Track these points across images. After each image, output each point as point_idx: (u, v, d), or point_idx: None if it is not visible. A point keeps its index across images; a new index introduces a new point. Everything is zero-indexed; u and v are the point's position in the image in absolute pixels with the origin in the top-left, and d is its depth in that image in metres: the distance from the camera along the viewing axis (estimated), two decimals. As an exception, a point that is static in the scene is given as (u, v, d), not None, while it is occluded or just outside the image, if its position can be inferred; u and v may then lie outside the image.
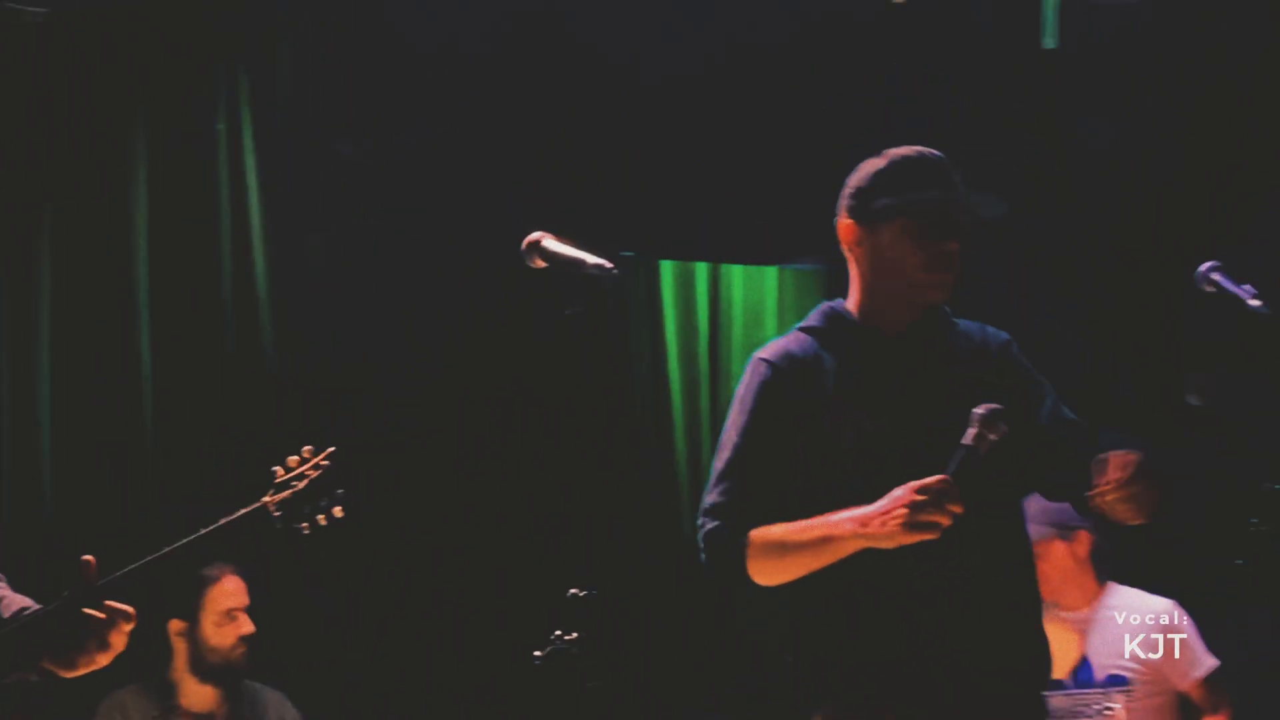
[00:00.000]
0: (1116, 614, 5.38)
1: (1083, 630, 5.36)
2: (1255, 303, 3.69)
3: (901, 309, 3.40)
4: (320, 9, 5.93)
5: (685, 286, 6.71)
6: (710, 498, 3.41)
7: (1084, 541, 5.39)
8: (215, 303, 5.69)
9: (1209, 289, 3.85)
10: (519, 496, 6.09)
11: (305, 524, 3.30)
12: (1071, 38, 6.29)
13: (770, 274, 6.87)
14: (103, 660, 3.09)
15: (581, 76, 6.30)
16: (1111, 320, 6.53)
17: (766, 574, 3.29)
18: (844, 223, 3.42)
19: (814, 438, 3.31)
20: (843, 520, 3.16)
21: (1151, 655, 5.32)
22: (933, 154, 3.40)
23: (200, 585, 4.88)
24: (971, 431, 3.13)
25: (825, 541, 3.18)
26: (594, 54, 6.26)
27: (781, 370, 3.37)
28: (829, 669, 3.35)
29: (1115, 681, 5.30)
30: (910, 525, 3.06)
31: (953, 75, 6.62)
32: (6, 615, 3.18)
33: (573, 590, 3.06)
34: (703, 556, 3.40)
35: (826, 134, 6.60)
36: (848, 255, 3.45)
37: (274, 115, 5.88)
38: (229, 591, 4.95)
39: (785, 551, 3.25)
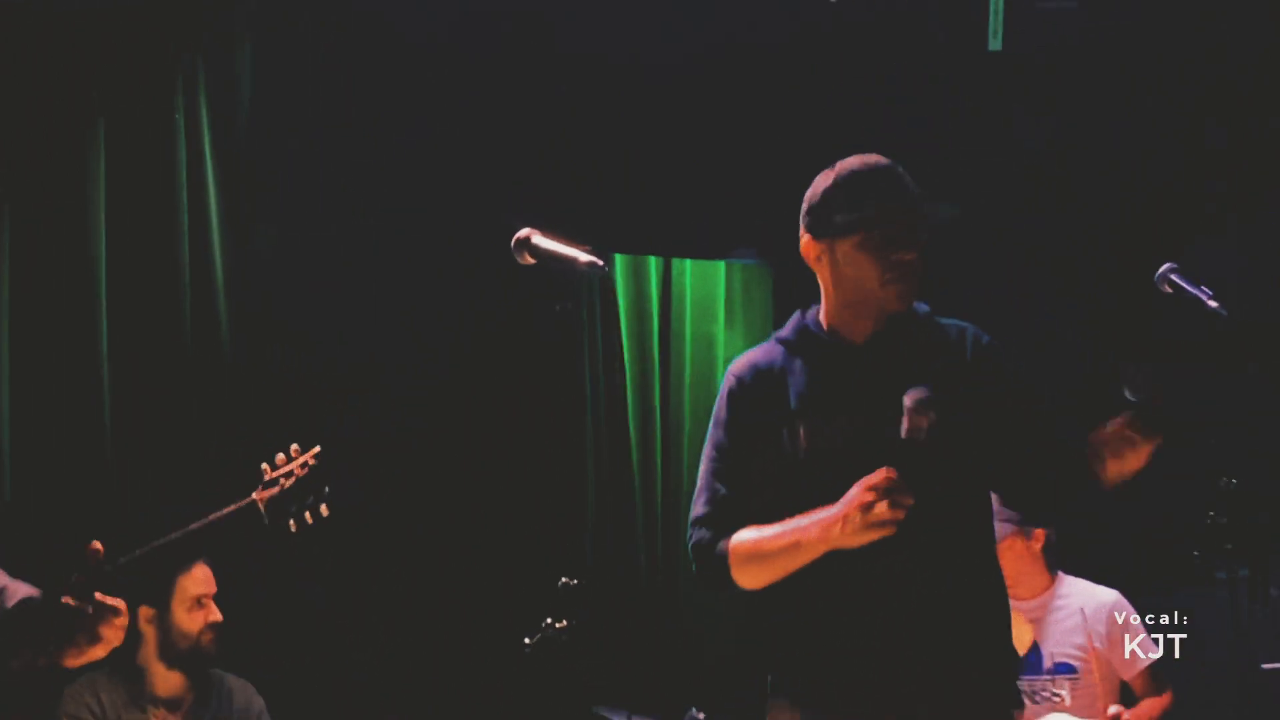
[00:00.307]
0: (1066, 604, 5.53)
1: (1035, 620, 5.50)
2: (1213, 304, 3.79)
3: (864, 319, 3.44)
4: (282, 2, 5.95)
5: (637, 280, 6.78)
6: (695, 509, 3.50)
7: (1040, 537, 5.55)
8: (174, 295, 5.66)
9: (1168, 290, 3.96)
10: (505, 487, 6.15)
11: (292, 521, 3.35)
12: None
13: (719, 268, 6.96)
14: (96, 652, 3.15)
15: (535, 71, 6.37)
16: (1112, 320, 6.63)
17: (749, 579, 3.38)
18: (804, 239, 3.48)
19: (781, 447, 3.39)
20: (809, 525, 3.24)
21: (1098, 645, 5.48)
22: (884, 164, 3.45)
23: (171, 572, 4.90)
24: (904, 422, 3.20)
25: (795, 547, 3.27)
26: (550, 50, 6.33)
27: (745, 383, 3.48)
28: (789, 665, 3.42)
29: (1063, 669, 5.45)
30: (866, 524, 3.14)
31: (897, 73, 6.76)
32: (10, 605, 3.21)
33: (563, 579, 3.09)
34: (693, 566, 3.49)
35: (774, 132, 6.73)
36: (813, 269, 3.50)
37: (233, 108, 5.89)
38: (199, 579, 4.97)
39: (761, 559, 3.33)
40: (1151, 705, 5.50)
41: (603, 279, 3.39)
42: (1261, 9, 6.38)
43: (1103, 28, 6.47)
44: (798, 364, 3.45)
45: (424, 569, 6.03)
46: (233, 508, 3.33)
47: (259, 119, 5.91)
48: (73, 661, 3.17)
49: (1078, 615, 5.51)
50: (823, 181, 3.47)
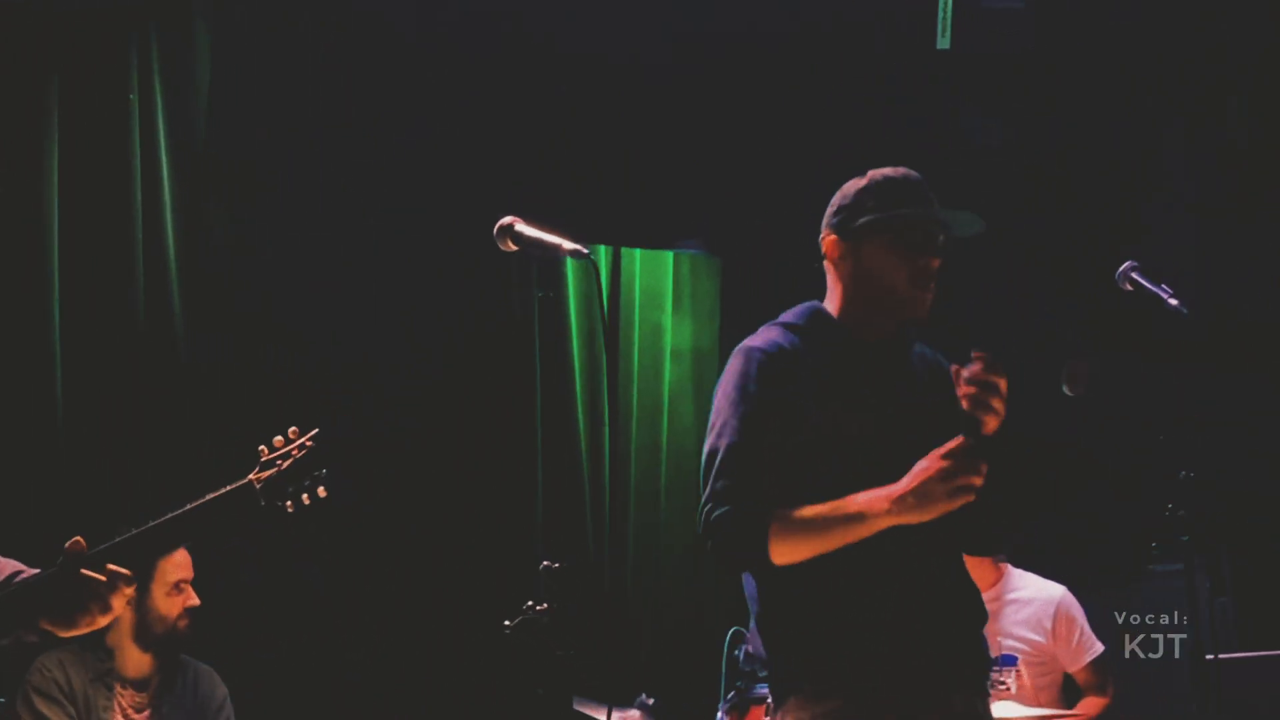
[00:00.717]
0: (1014, 597, 5.62)
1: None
2: (1173, 302, 3.90)
3: (883, 319, 3.54)
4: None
5: (586, 268, 6.80)
6: (718, 484, 3.39)
7: None
8: (127, 273, 5.64)
9: (1128, 287, 4.06)
10: (463, 475, 6.20)
11: (289, 502, 3.35)
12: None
13: (667, 258, 7.01)
14: (102, 620, 3.17)
15: (485, 62, 6.40)
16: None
17: (788, 552, 3.32)
18: (828, 238, 3.55)
19: (801, 429, 3.41)
20: (876, 498, 3.25)
21: (1043, 638, 5.58)
22: (915, 175, 3.55)
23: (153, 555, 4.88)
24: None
25: (858, 519, 3.26)
26: (499, 42, 6.37)
27: (775, 358, 3.46)
28: (801, 658, 3.44)
29: (1006, 660, 5.54)
30: (950, 491, 3.19)
31: (845, 69, 6.85)
32: None
33: (545, 563, 3.13)
34: (712, 541, 3.38)
35: (722, 125, 6.80)
36: (829, 268, 3.57)
37: (189, 91, 5.87)
38: (179, 564, 4.97)
39: (814, 529, 3.29)
40: (1089, 705, 5.61)
41: (591, 267, 3.40)
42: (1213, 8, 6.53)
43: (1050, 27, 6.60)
44: (812, 352, 3.50)
45: (385, 554, 6.06)
46: (229, 489, 3.32)
47: (218, 103, 5.88)
48: (82, 629, 3.19)
49: (1025, 608, 5.61)
50: (855, 184, 3.56)
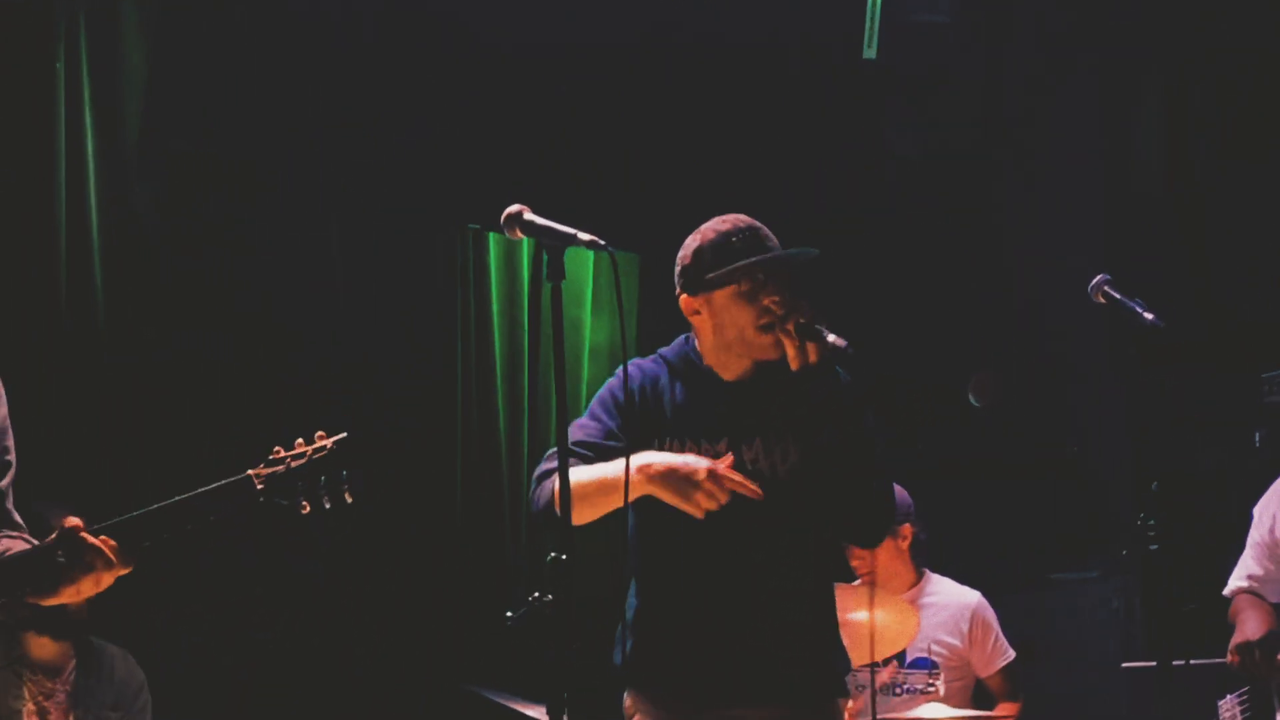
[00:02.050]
0: (931, 602, 5.71)
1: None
2: (1149, 316, 3.98)
3: (739, 360, 3.81)
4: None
5: (510, 262, 6.77)
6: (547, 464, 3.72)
7: (907, 535, 5.72)
8: (50, 249, 5.49)
9: (1101, 300, 4.14)
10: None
11: (304, 501, 3.29)
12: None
13: (588, 254, 6.98)
14: (88, 591, 3.15)
15: (409, 52, 6.35)
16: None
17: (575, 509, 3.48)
18: (681, 297, 3.82)
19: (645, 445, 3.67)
20: (638, 464, 3.49)
21: (958, 643, 5.68)
22: (749, 222, 3.81)
23: (45, 534, 4.73)
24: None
25: (616, 478, 3.49)
26: (442, 33, 6.33)
27: (636, 382, 3.80)
28: (632, 653, 3.76)
29: (922, 664, 5.63)
30: (688, 498, 3.49)
31: (768, 74, 6.90)
32: None
33: (552, 554, 3.12)
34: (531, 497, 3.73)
35: (646, 122, 6.82)
36: (692, 321, 3.83)
37: (115, 61, 5.73)
38: None
39: (581, 483, 3.51)
40: (1002, 710, 5.72)
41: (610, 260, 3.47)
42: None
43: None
44: (676, 385, 3.82)
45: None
46: (224, 482, 3.25)
47: (158, 86, 5.75)
48: (65, 598, 3.20)
49: (942, 612, 5.70)
50: (693, 243, 3.83)
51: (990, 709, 5.70)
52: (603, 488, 3.55)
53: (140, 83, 5.74)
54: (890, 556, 5.64)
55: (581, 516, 3.53)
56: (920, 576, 5.80)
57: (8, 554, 3.20)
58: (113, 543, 3.08)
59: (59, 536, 3.09)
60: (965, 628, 5.71)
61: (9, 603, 3.19)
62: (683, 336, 3.92)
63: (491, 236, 6.69)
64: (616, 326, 6.84)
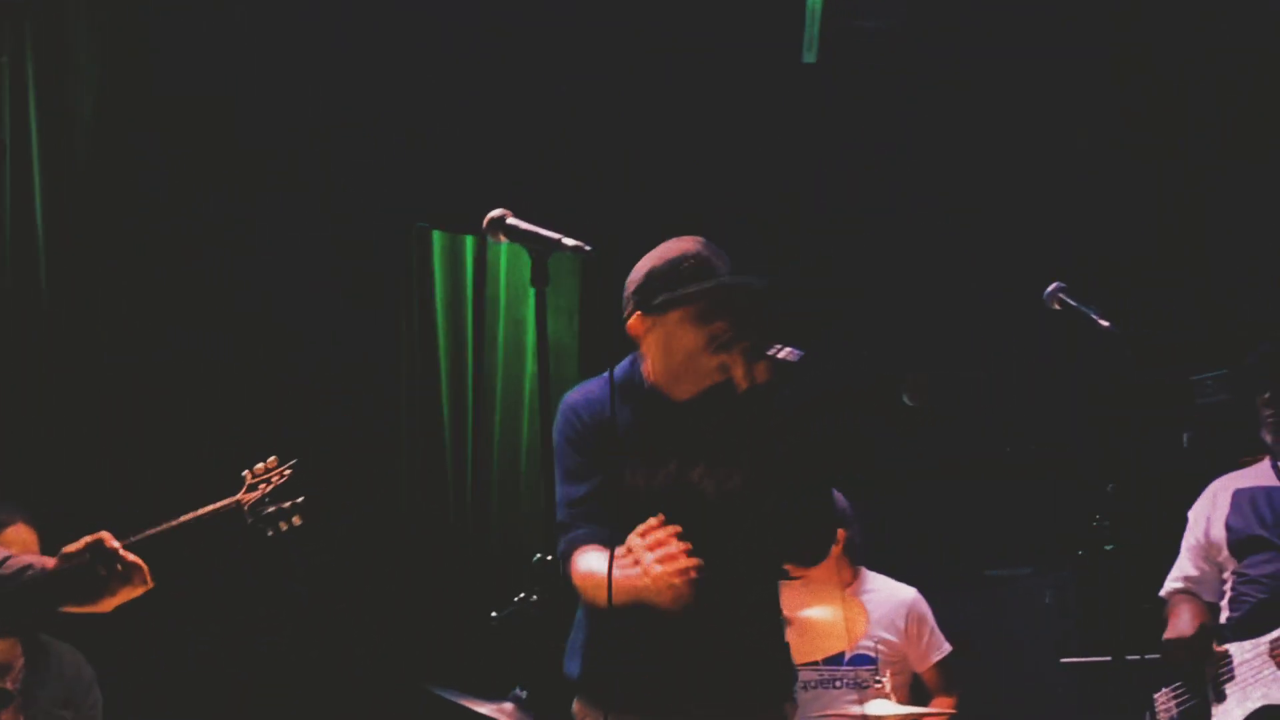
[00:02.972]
0: (868, 599, 5.80)
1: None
2: (1104, 322, 4.08)
3: (688, 381, 3.81)
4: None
5: (453, 260, 6.80)
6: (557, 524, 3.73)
7: (840, 538, 5.80)
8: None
9: (1056, 307, 4.23)
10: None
11: (269, 528, 3.48)
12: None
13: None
14: (120, 600, 3.32)
15: (345, 45, 6.36)
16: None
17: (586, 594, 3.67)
18: (630, 319, 3.83)
19: (605, 478, 3.75)
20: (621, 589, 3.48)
21: (895, 639, 5.79)
22: (697, 247, 3.80)
23: None
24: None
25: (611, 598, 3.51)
26: (382, 30, 6.34)
27: (583, 415, 3.82)
28: (588, 662, 3.80)
29: (861, 660, 5.73)
30: (660, 595, 3.45)
31: (712, 75, 6.96)
32: (8, 573, 3.30)
33: (538, 555, 3.17)
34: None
35: (592, 120, 6.86)
36: (638, 342, 3.84)
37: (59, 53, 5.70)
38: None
39: (586, 588, 3.64)
40: (938, 704, 5.84)
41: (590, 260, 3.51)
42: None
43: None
44: (624, 407, 3.82)
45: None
46: (219, 505, 3.43)
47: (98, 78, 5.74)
48: (109, 603, 3.34)
49: (878, 609, 5.78)
50: (646, 265, 3.83)
51: (926, 704, 5.81)
52: (597, 588, 3.56)
53: (91, 81, 5.71)
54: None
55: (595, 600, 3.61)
56: (856, 575, 5.90)
57: (38, 568, 3.30)
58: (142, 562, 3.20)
59: (89, 549, 3.18)
60: (902, 624, 5.82)
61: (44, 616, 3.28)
62: (629, 358, 3.93)
63: (435, 235, 6.72)
64: (562, 326, 6.91)
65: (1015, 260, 6.62)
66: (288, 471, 3.73)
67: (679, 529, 3.44)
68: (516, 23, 6.58)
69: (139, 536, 3.42)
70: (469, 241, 6.81)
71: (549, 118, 6.75)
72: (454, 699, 5.25)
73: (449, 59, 6.52)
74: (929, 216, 7.16)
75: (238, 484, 3.92)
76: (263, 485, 3.66)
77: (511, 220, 3.46)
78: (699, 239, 3.84)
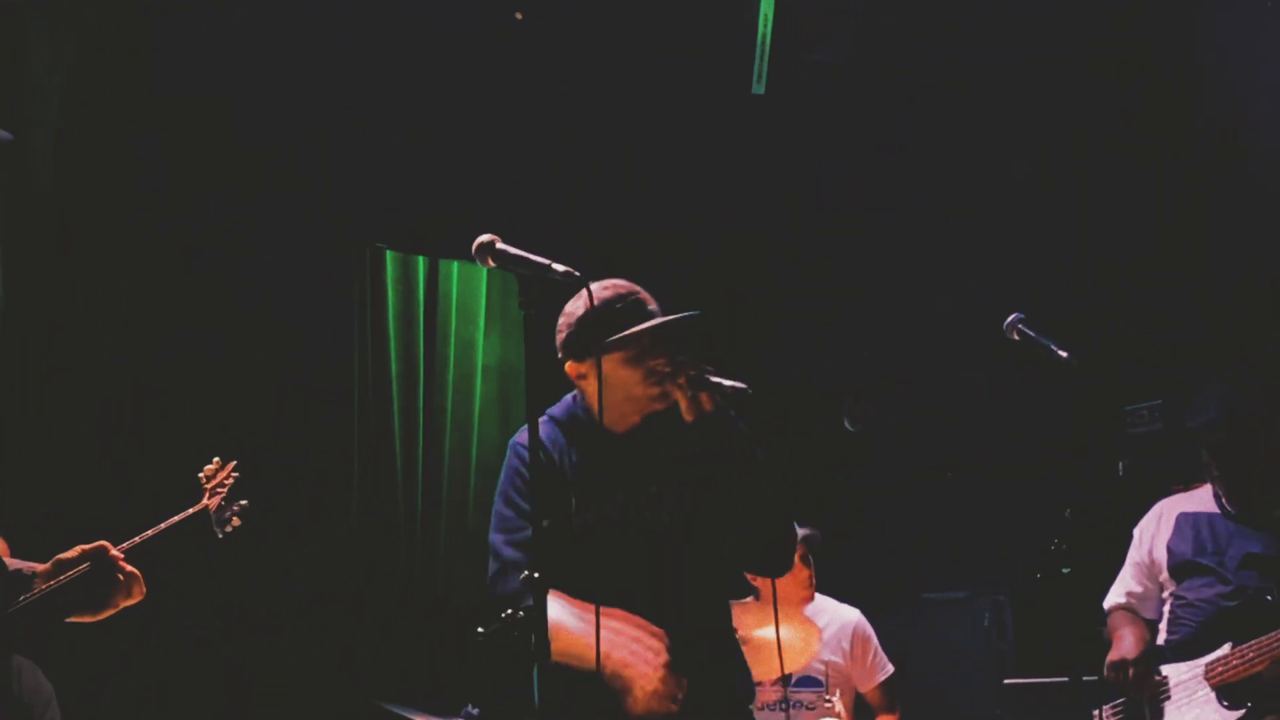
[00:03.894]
0: (814, 621, 5.91)
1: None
2: (1062, 353, 4.20)
3: (628, 416, 3.91)
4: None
5: (406, 279, 6.85)
6: (501, 550, 3.89)
7: (801, 555, 5.91)
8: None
9: (1015, 338, 4.35)
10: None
11: (220, 531, 3.56)
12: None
13: (482, 274, 7.08)
14: (119, 607, 3.46)
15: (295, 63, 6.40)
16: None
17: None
18: (567, 364, 3.92)
19: (558, 515, 3.75)
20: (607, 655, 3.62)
21: (839, 659, 5.90)
22: (631, 288, 3.89)
23: None
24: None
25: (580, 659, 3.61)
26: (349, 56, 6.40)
27: (526, 457, 3.79)
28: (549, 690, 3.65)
29: (807, 682, 5.84)
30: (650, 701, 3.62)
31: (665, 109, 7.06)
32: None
33: (526, 572, 3.23)
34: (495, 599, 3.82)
35: (544, 141, 6.93)
36: (578, 384, 3.93)
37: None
38: None
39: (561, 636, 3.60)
40: None
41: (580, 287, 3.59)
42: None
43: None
44: (569, 445, 3.92)
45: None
46: (188, 513, 3.51)
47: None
48: (111, 612, 3.48)
49: (824, 631, 5.88)
50: (576, 310, 3.91)
51: (869, 722, 5.94)
52: (570, 651, 3.62)
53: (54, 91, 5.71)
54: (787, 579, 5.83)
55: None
56: (812, 596, 6.01)
57: (26, 573, 3.41)
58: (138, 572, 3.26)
59: (89, 555, 3.22)
60: (847, 645, 5.94)
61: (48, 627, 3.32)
62: (570, 395, 4.01)
63: (389, 255, 6.76)
64: (506, 346, 6.98)
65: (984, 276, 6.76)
66: (235, 474, 3.82)
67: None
68: (475, 47, 6.65)
69: (131, 544, 3.47)
70: (421, 262, 6.86)
71: (521, 136, 6.84)
72: (405, 715, 5.31)
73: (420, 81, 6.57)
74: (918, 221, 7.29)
75: (197, 492, 3.92)
76: (219, 489, 3.72)
77: (501, 245, 3.47)
78: (624, 281, 3.91)
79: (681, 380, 3.78)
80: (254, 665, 6.01)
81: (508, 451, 3.94)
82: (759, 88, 6.89)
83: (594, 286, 3.85)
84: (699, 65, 6.91)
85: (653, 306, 3.88)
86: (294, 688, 6.07)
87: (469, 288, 7.03)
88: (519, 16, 6.70)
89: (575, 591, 3.76)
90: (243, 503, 3.84)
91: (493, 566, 3.87)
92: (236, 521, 3.79)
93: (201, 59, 6.09)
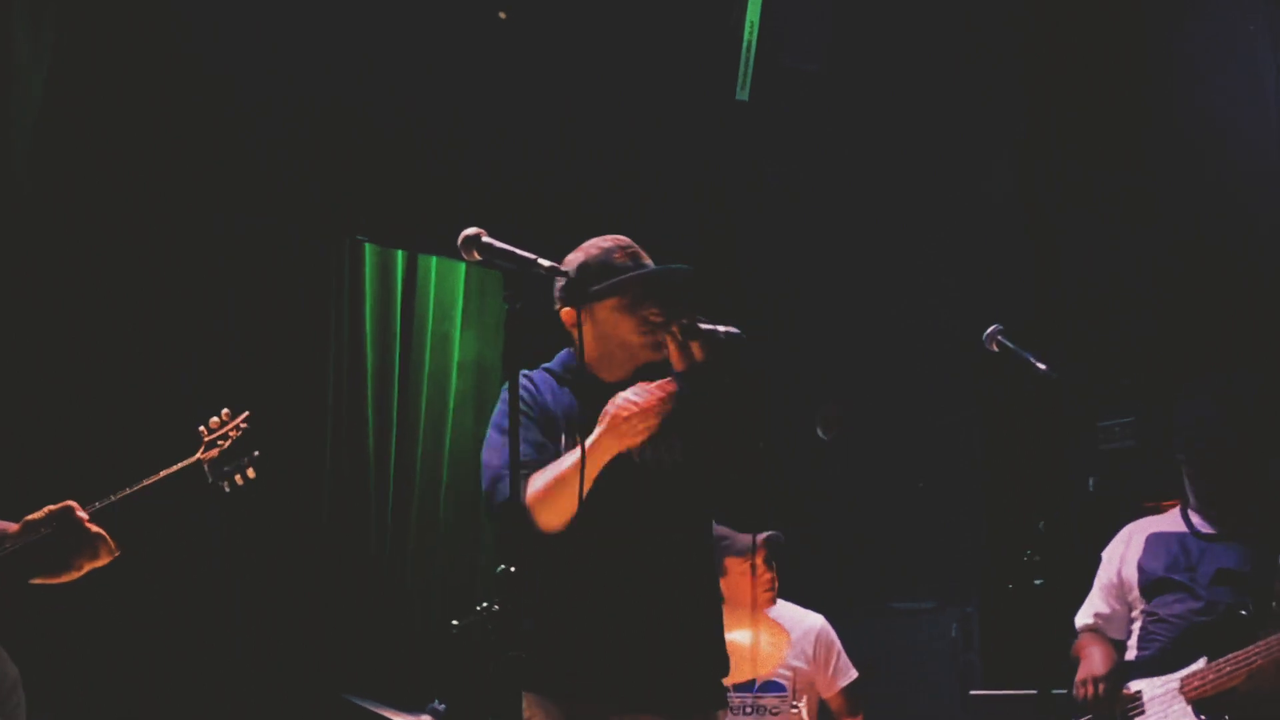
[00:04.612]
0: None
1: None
2: (1041, 366, 4.22)
3: (621, 365, 4.01)
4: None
5: (384, 273, 6.84)
6: (495, 471, 3.84)
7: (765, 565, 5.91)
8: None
9: (994, 349, 4.37)
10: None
11: (226, 483, 3.49)
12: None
13: (460, 269, 7.08)
14: (85, 569, 3.41)
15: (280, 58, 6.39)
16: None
17: (543, 501, 3.72)
18: (563, 310, 4.01)
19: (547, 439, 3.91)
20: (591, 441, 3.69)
21: (803, 665, 5.90)
22: (626, 241, 4.04)
23: None
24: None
25: (583, 456, 3.65)
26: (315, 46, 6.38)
27: (534, 388, 4.01)
28: (543, 657, 3.79)
29: (771, 687, 5.84)
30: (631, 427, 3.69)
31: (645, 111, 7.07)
32: None
33: (501, 566, 3.23)
34: (493, 514, 3.84)
35: (527, 139, 6.94)
36: (571, 331, 4.00)
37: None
38: None
39: (553, 474, 3.72)
40: None
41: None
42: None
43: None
44: (564, 391, 4.03)
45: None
46: (179, 466, 3.43)
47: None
48: (75, 574, 3.42)
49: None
50: (576, 258, 4.03)
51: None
52: (564, 478, 3.69)
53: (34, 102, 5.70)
54: (746, 580, 5.83)
55: (556, 512, 3.69)
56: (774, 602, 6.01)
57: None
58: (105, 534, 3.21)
59: (55, 516, 3.18)
60: (810, 650, 5.92)
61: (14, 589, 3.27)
62: (564, 351, 4.11)
63: (367, 248, 6.75)
64: (483, 343, 6.98)
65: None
66: (243, 425, 3.75)
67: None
68: (457, 41, 6.65)
69: (103, 503, 3.39)
70: (399, 257, 6.85)
71: (504, 133, 6.84)
72: (372, 708, 5.30)
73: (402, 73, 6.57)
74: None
75: (189, 450, 3.85)
76: (220, 441, 3.65)
77: (486, 239, 3.49)
78: (622, 236, 4.05)
79: (675, 328, 3.85)
80: (223, 658, 5.99)
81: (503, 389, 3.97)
82: (743, 94, 6.91)
83: (592, 240, 4.03)
84: (682, 67, 6.92)
85: (647, 261, 4.00)
86: (263, 681, 6.05)
87: (447, 283, 7.02)
88: (503, 16, 6.71)
89: (560, 545, 3.78)
90: (255, 454, 3.78)
91: (485, 482, 3.87)
92: (252, 473, 3.73)
93: (183, 49, 6.05)
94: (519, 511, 3.66)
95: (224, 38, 6.09)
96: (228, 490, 3.66)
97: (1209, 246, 6.65)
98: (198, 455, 3.57)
